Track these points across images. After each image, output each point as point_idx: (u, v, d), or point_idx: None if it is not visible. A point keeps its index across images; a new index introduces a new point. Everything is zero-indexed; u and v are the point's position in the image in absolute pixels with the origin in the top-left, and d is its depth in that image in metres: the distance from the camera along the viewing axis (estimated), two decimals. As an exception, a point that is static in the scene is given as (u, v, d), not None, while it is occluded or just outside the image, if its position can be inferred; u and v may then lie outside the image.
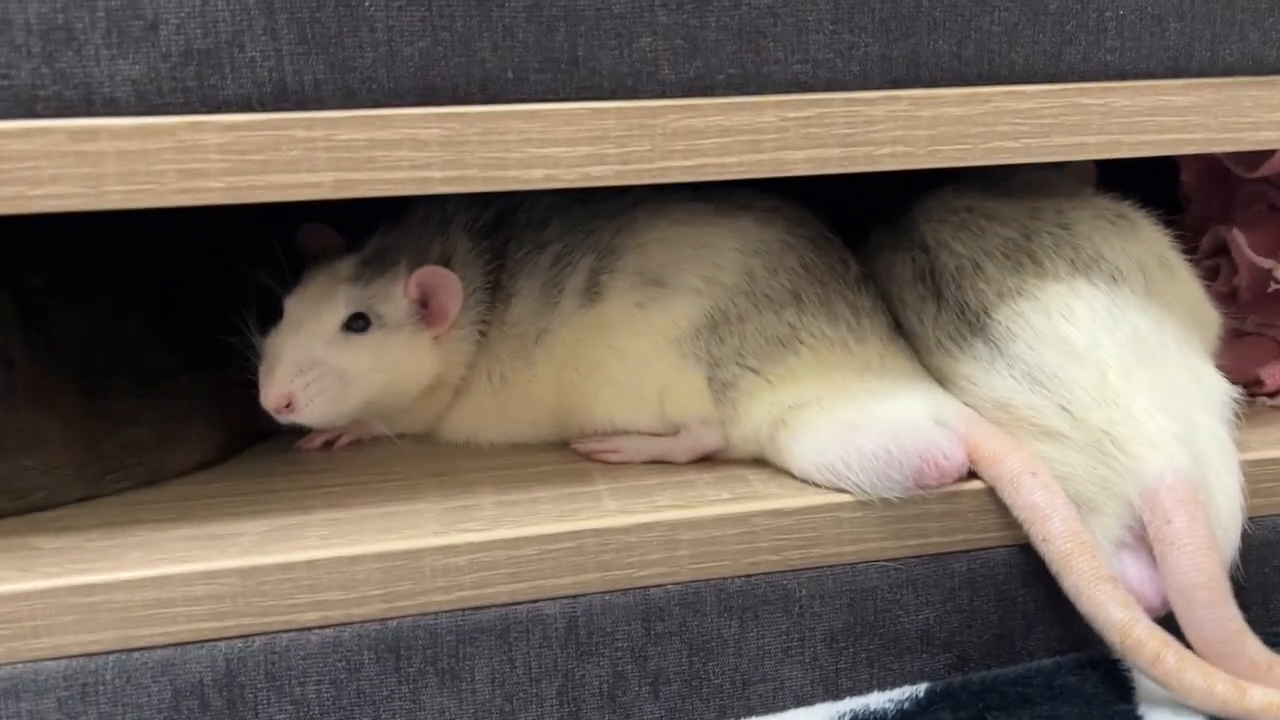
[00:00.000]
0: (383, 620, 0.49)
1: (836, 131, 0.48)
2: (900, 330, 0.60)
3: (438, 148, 0.45)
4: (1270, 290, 0.67)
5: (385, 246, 0.62)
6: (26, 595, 0.46)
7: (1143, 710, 0.50)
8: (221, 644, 0.48)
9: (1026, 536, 0.53)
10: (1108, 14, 0.50)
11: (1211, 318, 0.60)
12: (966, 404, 0.56)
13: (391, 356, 0.59)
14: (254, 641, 0.48)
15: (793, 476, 0.55)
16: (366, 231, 0.64)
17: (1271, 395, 0.65)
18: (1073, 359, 0.53)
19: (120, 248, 0.60)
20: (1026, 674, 0.53)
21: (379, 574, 0.49)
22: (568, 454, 0.60)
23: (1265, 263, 0.67)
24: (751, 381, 0.56)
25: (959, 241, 0.59)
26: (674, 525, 0.51)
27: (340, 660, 0.49)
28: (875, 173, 0.49)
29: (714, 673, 0.52)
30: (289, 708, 0.48)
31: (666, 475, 0.56)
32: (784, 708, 0.53)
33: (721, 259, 0.58)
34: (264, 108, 0.44)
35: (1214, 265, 0.70)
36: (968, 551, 0.54)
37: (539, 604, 0.50)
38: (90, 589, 0.46)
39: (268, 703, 0.48)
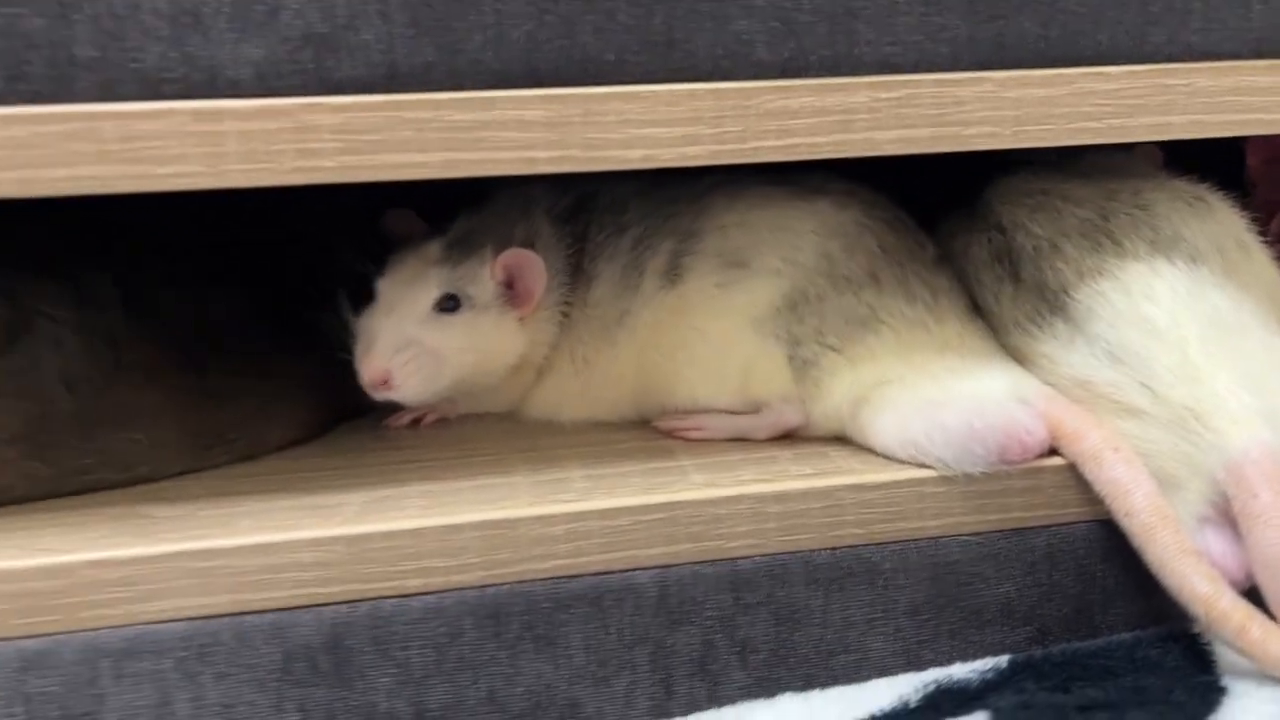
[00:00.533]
0: (482, 587, 0.51)
1: (925, 112, 0.49)
2: (977, 310, 0.61)
3: (541, 128, 0.47)
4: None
5: (470, 230, 0.64)
6: (147, 559, 0.48)
7: (1226, 681, 0.51)
8: (329, 609, 0.49)
9: (1106, 512, 0.54)
10: (1192, -5, 0.51)
11: (1286, 298, 0.60)
12: (1045, 382, 0.57)
13: (480, 336, 0.61)
14: (359, 607, 0.50)
15: (873, 452, 0.56)
16: (446, 216, 0.65)
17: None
18: (1154, 337, 0.54)
19: (215, 232, 0.62)
20: (1107, 647, 0.54)
21: (478, 542, 0.50)
22: (649, 431, 0.61)
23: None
24: (832, 360, 0.57)
25: (1036, 223, 0.60)
26: (762, 498, 0.52)
27: (442, 625, 0.50)
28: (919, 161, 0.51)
29: (800, 642, 0.54)
30: (393, 670, 0.50)
31: (749, 451, 0.58)
32: (867, 678, 0.54)
33: (800, 241, 0.59)
34: (377, 90, 0.45)
35: (1282, 250, 0.70)
36: (1048, 526, 0.55)
37: (631, 573, 0.52)
38: (207, 554, 0.48)
39: (372, 666, 0.50)
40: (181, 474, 0.57)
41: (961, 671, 0.53)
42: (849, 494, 0.53)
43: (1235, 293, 0.56)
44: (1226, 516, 0.51)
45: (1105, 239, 0.57)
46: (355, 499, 0.53)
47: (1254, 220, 0.62)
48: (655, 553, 0.52)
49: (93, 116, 0.43)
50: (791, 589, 0.53)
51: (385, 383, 0.58)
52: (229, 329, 0.60)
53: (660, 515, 0.52)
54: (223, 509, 0.52)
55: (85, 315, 0.55)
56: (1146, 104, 0.51)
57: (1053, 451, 0.55)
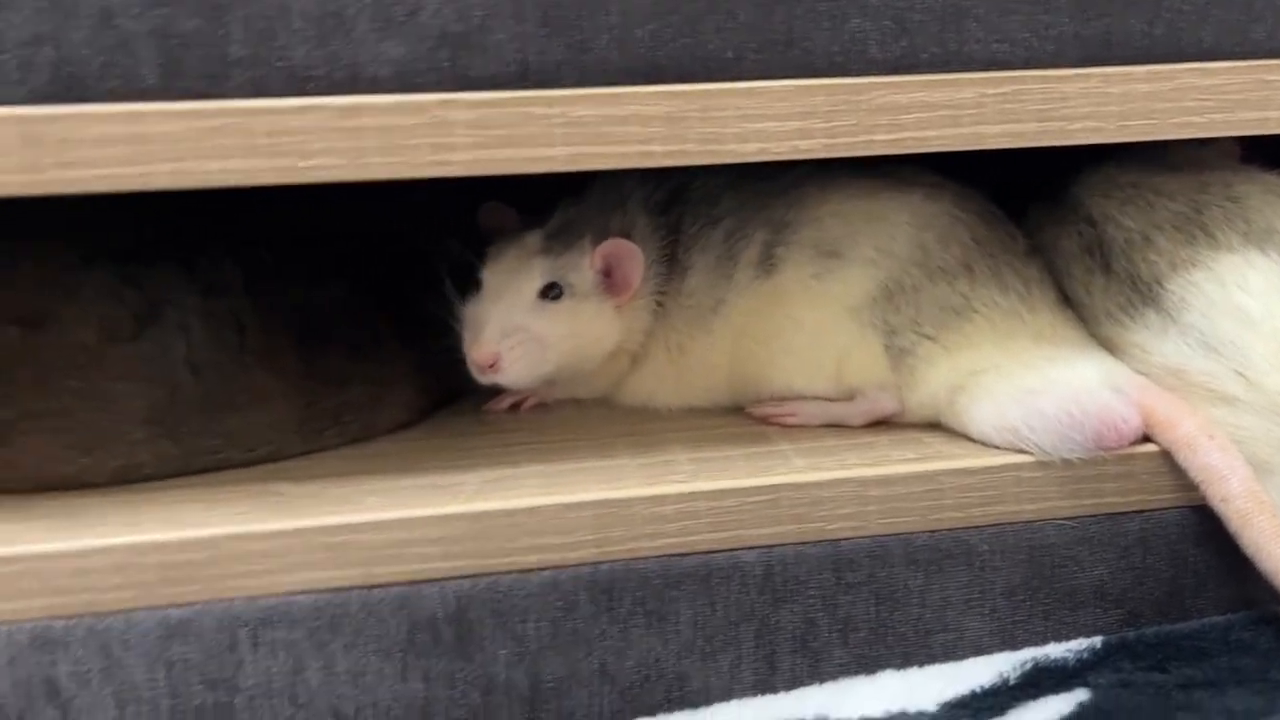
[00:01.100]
0: (595, 564, 0.53)
1: (1031, 107, 0.51)
2: (1066, 301, 0.63)
3: (661, 123, 0.49)
4: None
5: (569, 221, 0.66)
6: (282, 534, 0.50)
7: (1321, 664, 0.52)
8: (452, 583, 0.52)
9: (1198, 498, 0.55)
10: (1293, -8, 0.52)
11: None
12: (1137, 371, 0.58)
13: (581, 323, 0.63)
14: (480, 581, 0.52)
15: (968, 438, 0.58)
16: (533, 208, 0.67)
17: None
18: (1248, 326, 0.55)
19: (326, 223, 0.64)
20: (1200, 629, 0.55)
21: (592, 520, 0.52)
22: (746, 417, 0.63)
23: None
24: (929, 349, 0.59)
25: (1127, 216, 0.61)
26: (864, 482, 0.54)
27: (558, 600, 0.52)
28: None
29: (899, 621, 0.55)
30: (510, 643, 0.52)
31: (847, 437, 0.59)
32: (964, 656, 0.56)
33: (894, 232, 0.61)
34: (508, 86, 0.47)
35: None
36: (1141, 511, 0.56)
37: (738, 552, 0.54)
38: (338, 529, 0.51)
39: (492, 638, 0.52)
40: (300, 455, 0.60)
41: (1057, 651, 0.55)
42: (949, 478, 0.55)
43: (1327, 283, 0.57)
44: (1321, 502, 0.53)
45: (1198, 231, 0.58)
46: (473, 479, 0.55)
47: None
48: (760, 533, 0.54)
49: (243, 112, 0.46)
50: (892, 569, 0.55)
51: (493, 366, 0.60)
52: (341, 316, 0.62)
53: (765, 497, 0.54)
54: (349, 487, 0.54)
55: (210, 303, 0.58)
56: (1247, 99, 0.52)
57: (1146, 439, 0.56)
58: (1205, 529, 0.56)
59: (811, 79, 0.49)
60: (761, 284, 0.63)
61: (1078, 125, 0.51)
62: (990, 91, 0.50)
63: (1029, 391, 0.56)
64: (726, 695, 0.54)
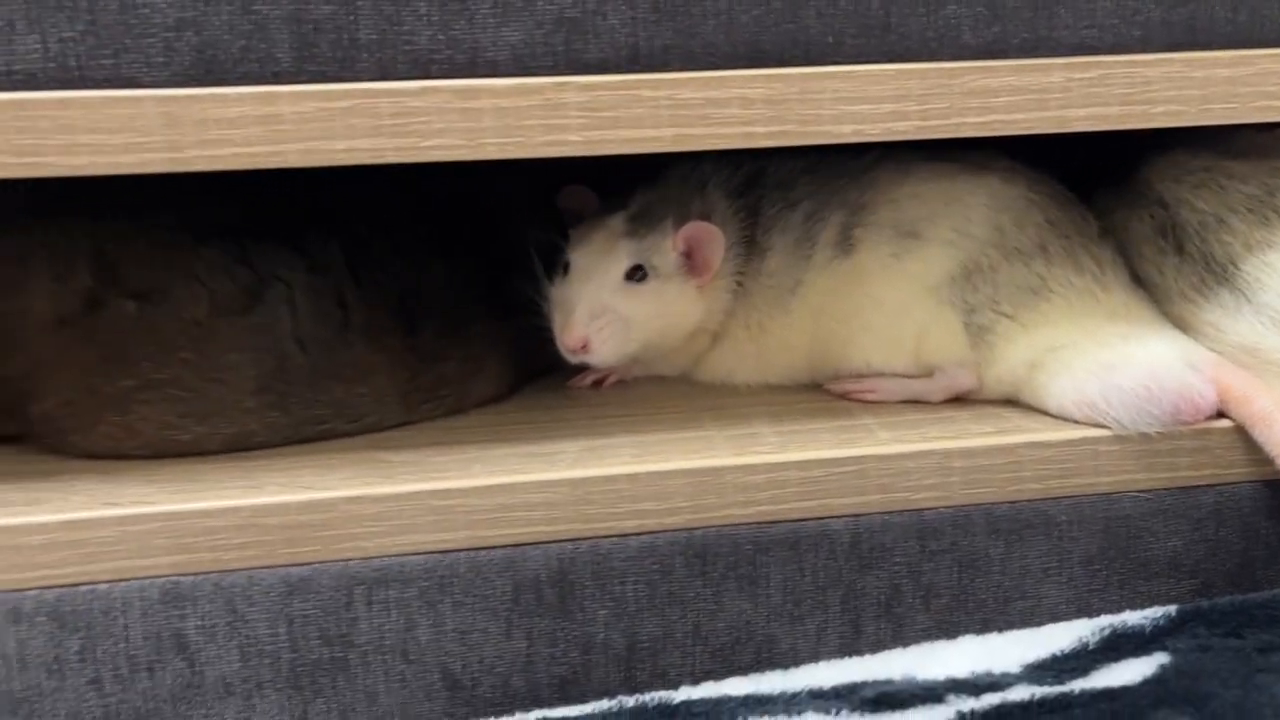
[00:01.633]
0: (690, 529, 0.55)
1: (1116, 91, 0.53)
2: (1137, 282, 0.65)
3: (762, 105, 0.51)
4: None
5: (649, 204, 0.68)
6: (394, 498, 0.53)
7: (1393, 632, 0.54)
8: (554, 546, 0.54)
9: (1272, 472, 0.57)
10: (1373, -20, 0.54)
11: None
12: (1211, 349, 0.60)
13: (665, 303, 0.65)
14: (581, 544, 0.54)
15: (1045, 413, 0.60)
16: (615, 191, 0.70)
17: None
18: (1322, 306, 0.57)
19: (422, 204, 0.67)
20: (1273, 599, 0.57)
21: (688, 488, 0.55)
22: (825, 393, 0.65)
23: None
24: (1007, 326, 0.61)
25: (1200, 199, 0.63)
26: (947, 454, 0.56)
27: (654, 563, 0.55)
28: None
29: (979, 588, 0.57)
30: (610, 604, 0.55)
31: (927, 412, 0.61)
32: (1041, 623, 0.58)
33: (971, 213, 0.63)
34: (619, 70, 0.50)
35: None
36: (1215, 485, 0.58)
37: (825, 520, 0.56)
38: (446, 494, 0.53)
39: (592, 599, 0.54)
40: (401, 425, 0.62)
41: (1134, 618, 0.57)
42: (1028, 451, 0.57)
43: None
44: (1395, 476, 0.54)
45: (1272, 213, 0.60)
46: (570, 447, 0.57)
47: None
48: (847, 502, 0.56)
49: (371, 94, 0.48)
50: (973, 538, 0.57)
51: (583, 347, 0.63)
52: (436, 294, 0.65)
53: (852, 468, 0.56)
54: (453, 455, 0.57)
55: (315, 279, 0.61)
56: (1326, 84, 0.54)
57: (1220, 414, 0.58)
58: (1278, 503, 0.58)
59: (906, 63, 0.51)
60: (840, 264, 0.65)
61: (1160, 109, 0.53)
62: (1077, 76, 0.52)
63: (1107, 367, 0.58)
64: (814, 657, 0.57)
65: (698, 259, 0.66)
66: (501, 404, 0.66)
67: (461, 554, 0.53)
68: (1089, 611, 0.58)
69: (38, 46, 0.47)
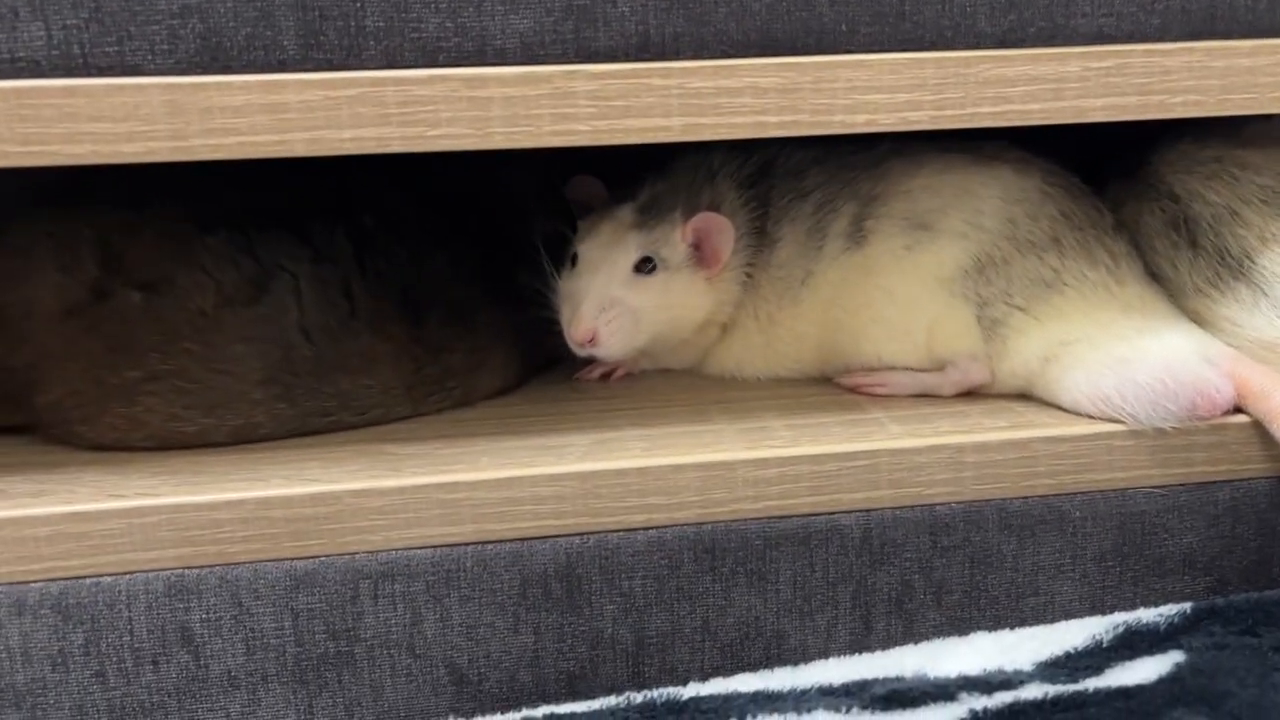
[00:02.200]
0: (699, 524, 0.54)
1: (1134, 81, 0.52)
2: (1153, 275, 0.64)
3: (775, 94, 0.50)
4: None
5: (658, 195, 0.67)
6: (400, 491, 0.52)
7: None
8: (562, 540, 0.53)
9: (1289, 468, 0.56)
10: (1395, -32, 0.53)
11: None
12: (1228, 345, 0.59)
13: (674, 295, 0.64)
14: (589, 539, 0.54)
15: (1058, 408, 0.59)
16: (623, 181, 0.69)
17: None
18: (1342, 300, 0.56)
19: (427, 195, 0.66)
20: (1289, 596, 0.56)
21: (697, 482, 0.54)
22: (835, 386, 0.65)
23: None
24: (1020, 319, 0.60)
25: (1212, 191, 0.62)
26: (960, 448, 0.55)
27: (663, 558, 0.54)
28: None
29: (992, 585, 0.57)
30: (618, 599, 0.54)
31: (939, 406, 0.61)
32: (1054, 620, 0.57)
33: (984, 205, 0.62)
34: (628, 58, 0.49)
35: None
36: (1231, 481, 0.57)
37: (836, 515, 0.55)
38: (453, 487, 0.52)
39: (600, 593, 0.54)
40: (407, 418, 0.62)
41: (1148, 615, 0.56)
42: (1042, 446, 0.56)
43: None
44: None
45: (1289, 205, 0.59)
46: (579, 440, 0.57)
47: None
48: (859, 497, 0.55)
49: (377, 82, 0.48)
50: (986, 534, 0.56)
51: (592, 341, 0.62)
52: (442, 285, 0.64)
53: (864, 462, 0.55)
54: (460, 448, 0.56)
55: (321, 270, 0.60)
56: (1348, 73, 0.53)
57: (1237, 409, 0.57)
58: (1294, 499, 0.57)
59: (921, 52, 0.50)
60: (851, 255, 0.64)
61: (1179, 99, 0.52)
62: (1094, 65, 0.51)
63: (1122, 361, 0.57)
64: (824, 653, 0.56)
65: (707, 250, 0.65)
66: (509, 397, 0.65)
67: (468, 548, 0.53)
68: (1103, 609, 0.58)
69: (41, 34, 0.47)
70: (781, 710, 0.50)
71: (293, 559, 0.52)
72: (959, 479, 0.56)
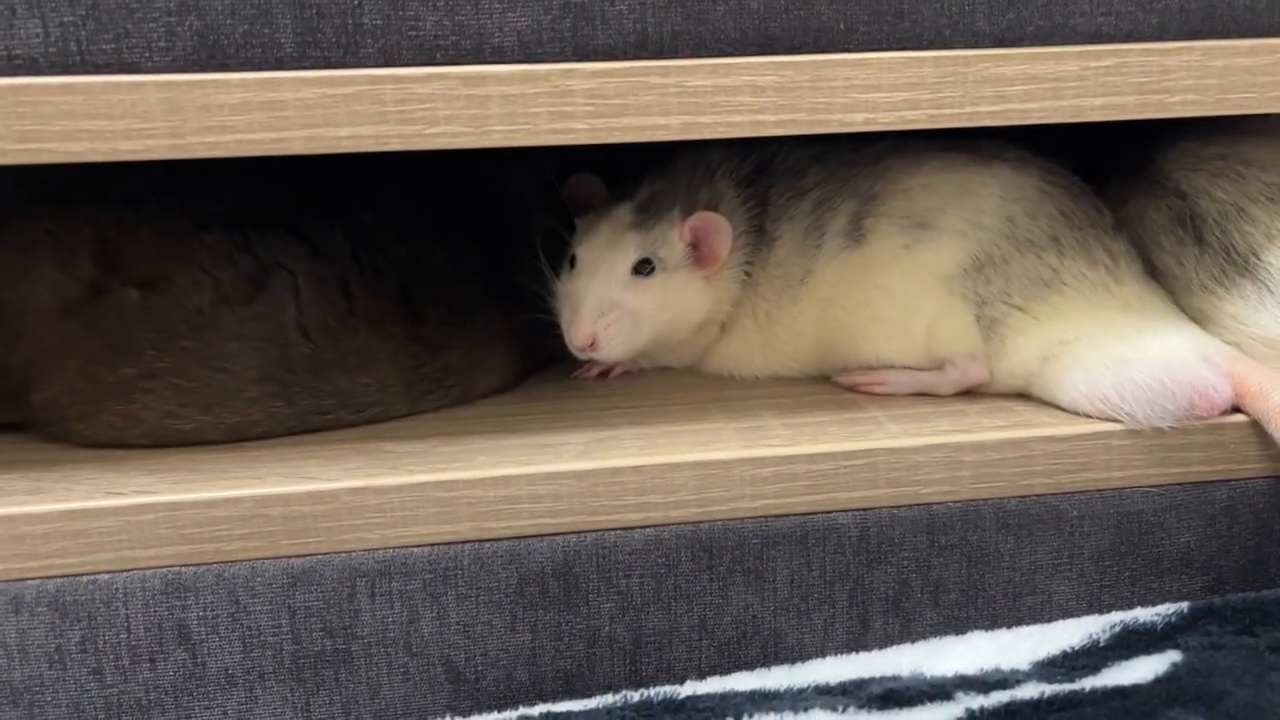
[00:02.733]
0: (696, 523, 0.54)
1: (1132, 80, 0.52)
2: (1153, 273, 0.64)
3: (773, 93, 0.50)
4: None
5: (656, 194, 0.67)
6: (398, 489, 0.52)
7: None
8: (559, 538, 0.53)
9: (1287, 468, 0.56)
10: (1394, -33, 0.53)
11: None
12: (1231, 342, 0.59)
13: (672, 295, 0.64)
14: (587, 537, 0.54)
15: (1056, 407, 0.59)
16: (623, 180, 0.69)
17: None
18: (1344, 299, 0.56)
19: (425, 193, 0.66)
20: (1286, 596, 0.56)
21: (694, 480, 0.54)
22: (833, 384, 0.65)
23: None
24: (1019, 319, 0.60)
25: (1218, 188, 0.62)
26: (958, 448, 0.55)
27: (660, 557, 0.54)
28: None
29: (989, 584, 0.57)
30: (615, 597, 0.54)
31: (937, 405, 0.61)
32: (1051, 619, 0.57)
33: (983, 204, 0.62)
34: (626, 56, 0.49)
35: None
36: (1228, 480, 0.57)
37: (833, 514, 0.55)
38: (451, 485, 0.52)
39: (597, 592, 0.54)
40: (405, 416, 0.62)
41: (1145, 615, 0.56)
42: (1039, 445, 0.56)
43: None
44: None
45: (1292, 203, 0.59)
46: (577, 439, 0.57)
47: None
48: (856, 496, 0.55)
49: (375, 80, 0.47)
50: (983, 533, 0.56)
51: (592, 345, 0.62)
52: (440, 283, 0.64)
53: (861, 461, 0.55)
54: (457, 446, 0.56)
55: (319, 268, 0.60)
56: (1347, 73, 0.53)
57: (1235, 409, 0.57)
58: (1292, 498, 0.57)
59: (920, 51, 0.50)
60: (850, 254, 0.64)
61: (1177, 99, 0.52)
62: (1092, 64, 0.51)
63: (1121, 360, 0.57)
64: (820, 652, 0.56)
65: (705, 249, 0.65)
66: (507, 395, 0.65)
67: (465, 546, 0.53)
68: (1100, 608, 0.58)
69: (39, 31, 0.47)
70: (778, 709, 0.50)
71: (290, 557, 0.52)
72: (956, 478, 0.56)
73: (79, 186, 0.60)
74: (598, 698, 0.53)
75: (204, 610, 0.51)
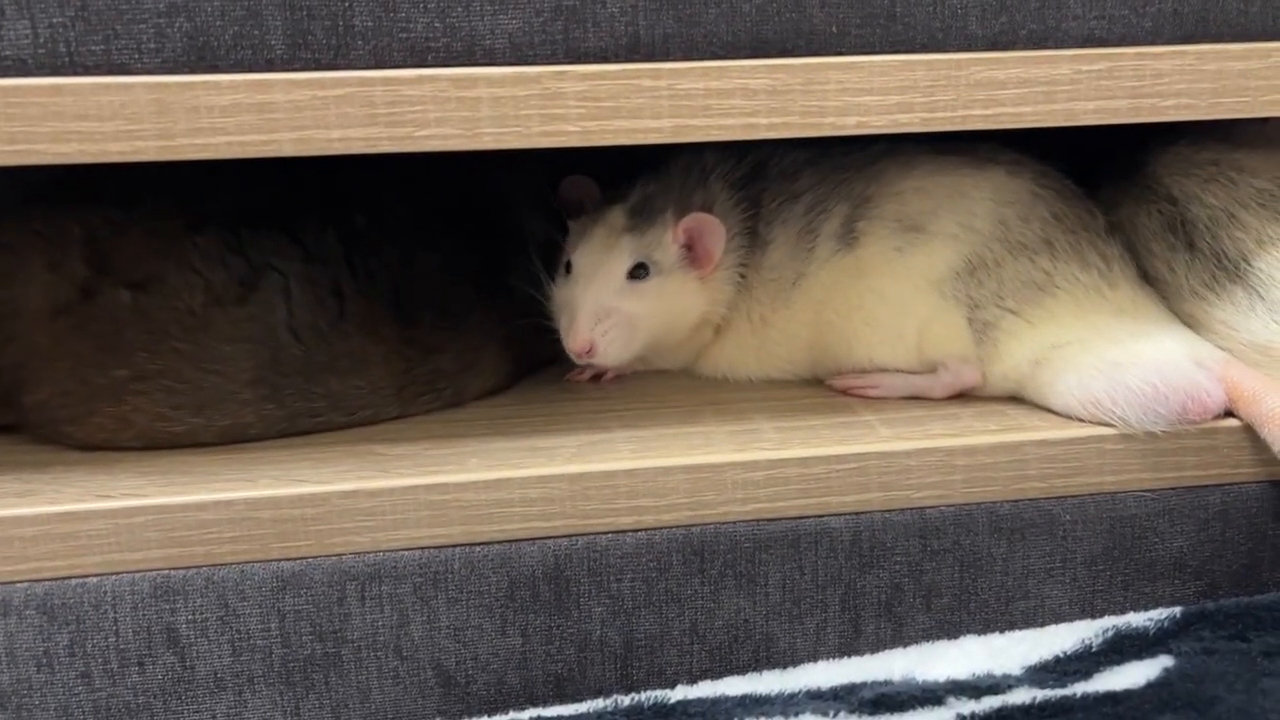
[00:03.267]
0: (688, 526, 0.54)
1: (1125, 84, 0.52)
2: (1146, 278, 0.64)
3: (765, 96, 0.50)
4: None
5: (649, 196, 0.67)
6: (389, 492, 0.52)
7: (1402, 636, 0.53)
8: (551, 542, 0.53)
9: (1279, 472, 0.56)
10: (1388, -28, 0.53)
11: None
12: (1222, 347, 0.59)
13: (667, 299, 0.64)
14: (578, 541, 0.53)
15: (1048, 411, 0.59)
16: (617, 182, 0.69)
17: None
18: (1335, 304, 0.56)
19: (418, 195, 0.66)
20: (1279, 601, 0.56)
21: (686, 484, 0.54)
22: (826, 388, 0.65)
23: None
24: (1012, 322, 0.60)
25: (1210, 194, 0.62)
26: (950, 451, 0.55)
27: (652, 560, 0.54)
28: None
29: (982, 588, 0.56)
30: (606, 601, 0.54)
31: (929, 409, 0.60)
32: (1044, 624, 0.57)
33: (976, 207, 0.62)
34: (617, 59, 0.49)
35: None
36: (1222, 485, 0.57)
37: (825, 519, 0.55)
38: (442, 488, 0.52)
39: (588, 595, 0.54)
40: (397, 419, 0.61)
41: (1138, 619, 0.56)
42: (1033, 449, 0.56)
43: None
44: (1405, 478, 0.53)
45: (1284, 209, 0.59)
46: (569, 442, 0.56)
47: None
48: (848, 500, 0.55)
49: (365, 82, 0.47)
50: (976, 537, 0.56)
51: (590, 351, 0.62)
52: (433, 285, 0.64)
53: (853, 465, 0.55)
54: (449, 449, 0.56)
55: (311, 270, 0.60)
56: (1340, 77, 0.53)
57: (1228, 413, 0.57)
58: (1285, 503, 0.57)
59: (912, 54, 0.50)
60: (843, 257, 0.64)
61: (1170, 102, 0.52)
62: (1085, 68, 0.51)
63: (1114, 364, 0.57)
64: (812, 657, 0.56)
65: (699, 250, 0.65)
66: (499, 398, 0.65)
67: (456, 549, 0.53)
68: (1092, 612, 0.58)
69: (28, 32, 0.46)
70: (769, 714, 0.50)
71: (280, 560, 0.52)
72: (949, 482, 0.55)
73: (70, 187, 0.60)
74: (588, 702, 0.53)
75: (193, 613, 0.51)
